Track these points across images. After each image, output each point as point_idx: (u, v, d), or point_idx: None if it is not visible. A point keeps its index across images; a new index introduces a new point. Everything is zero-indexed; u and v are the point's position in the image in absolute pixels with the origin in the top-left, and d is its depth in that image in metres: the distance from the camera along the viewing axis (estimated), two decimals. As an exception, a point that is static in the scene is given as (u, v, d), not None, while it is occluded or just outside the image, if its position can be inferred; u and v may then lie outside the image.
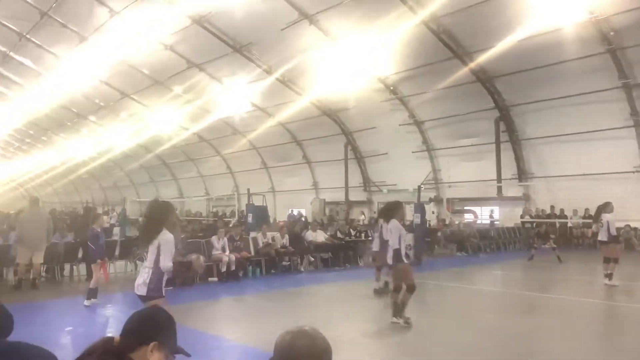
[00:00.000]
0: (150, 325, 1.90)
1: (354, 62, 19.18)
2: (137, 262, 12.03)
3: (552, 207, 19.32)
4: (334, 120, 25.03)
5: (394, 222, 6.72)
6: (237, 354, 6.09)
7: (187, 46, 21.43)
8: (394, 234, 6.67)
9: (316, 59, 19.81)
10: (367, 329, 7.09)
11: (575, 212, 18.93)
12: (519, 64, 17.56)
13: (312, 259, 13.53)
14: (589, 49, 16.07)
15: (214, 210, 30.95)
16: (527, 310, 8.43)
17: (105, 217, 16.33)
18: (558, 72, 17.36)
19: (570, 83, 17.55)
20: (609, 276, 10.25)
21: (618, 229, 11.98)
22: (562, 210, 19.12)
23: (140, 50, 21.46)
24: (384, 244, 8.20)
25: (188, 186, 37.87)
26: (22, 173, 45.44)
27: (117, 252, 11.95)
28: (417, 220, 14.52)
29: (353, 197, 26.29)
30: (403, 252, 6.69)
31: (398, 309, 6.51)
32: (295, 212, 26.79)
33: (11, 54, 24.08)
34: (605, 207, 10.60)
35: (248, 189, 18.95)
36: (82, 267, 11.48)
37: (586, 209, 18.50)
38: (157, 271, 4.40)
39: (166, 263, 4.41)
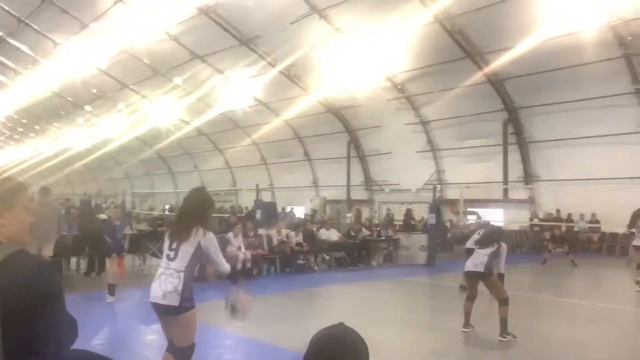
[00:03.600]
0: (346, 354, 1.56)
1: (363, 60, 18.88)
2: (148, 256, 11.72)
3: (558, 211, 19.22)
4: (338, 118, 24.74)
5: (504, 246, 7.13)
6: (266, 354, 5.77)
7: (192, 37, 20.95)
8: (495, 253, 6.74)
9: (324, 55, 19.49)
10: (401, 333, 6.83)
11: (582, 216, 18.85)
12: (532, 66, 17.33)
13: (327, 258, 13.24)
14: (605, 53, 15.94)
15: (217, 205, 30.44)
16: (554, 315, 8.23)
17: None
18: (570, 75, 17.21)
19: (581, 87, 17.40)
20: (640, 283, 10.11)
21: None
22: (569, 215, 19.01)
23: (143, 39, 20.91)
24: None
25: (184, 180, 37.30)
26: (13, 164, 44.31)
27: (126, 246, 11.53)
28: (432, 221, 14.28)
29: (354, 195, 26.02)
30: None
31: (504, 326, 6.20)
32: (288, 209, 26.28)
33: (8, 39, 23.37)
34: None
35: (257, 185, 18.55)
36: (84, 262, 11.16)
37: (592, 214, 18.48)
38: (190, 276, 3.63)
39: (224, 266, 3.76)
